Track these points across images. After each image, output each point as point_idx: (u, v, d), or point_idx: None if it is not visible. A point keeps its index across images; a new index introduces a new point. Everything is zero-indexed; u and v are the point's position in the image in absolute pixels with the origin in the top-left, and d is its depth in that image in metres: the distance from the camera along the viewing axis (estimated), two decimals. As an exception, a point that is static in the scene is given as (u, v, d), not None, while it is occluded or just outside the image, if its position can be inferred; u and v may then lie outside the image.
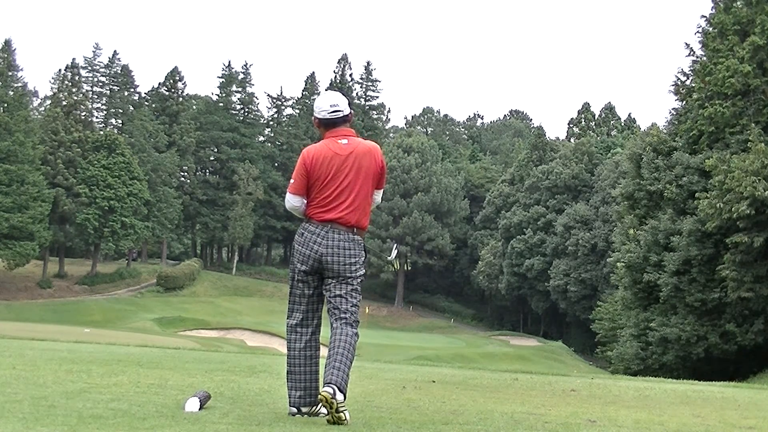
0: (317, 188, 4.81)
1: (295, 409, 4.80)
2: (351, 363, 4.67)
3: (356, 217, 4.83)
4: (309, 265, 4.86)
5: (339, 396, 4.42)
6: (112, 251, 79.60)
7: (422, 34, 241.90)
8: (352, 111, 5.05)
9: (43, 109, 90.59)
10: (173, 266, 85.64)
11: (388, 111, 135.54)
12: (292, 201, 4.90)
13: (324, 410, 4.57)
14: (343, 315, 4.81)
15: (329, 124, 4.91)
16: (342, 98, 5.00)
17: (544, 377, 10.02)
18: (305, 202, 4.87)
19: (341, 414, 4.41)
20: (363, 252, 4.90)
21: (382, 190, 5.09)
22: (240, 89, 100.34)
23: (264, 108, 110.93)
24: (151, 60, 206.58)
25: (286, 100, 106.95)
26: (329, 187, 4.78)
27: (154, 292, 76.19)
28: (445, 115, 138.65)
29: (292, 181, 4.88)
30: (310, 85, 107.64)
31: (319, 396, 4.45)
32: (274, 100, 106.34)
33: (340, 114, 4.92)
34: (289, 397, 4.86)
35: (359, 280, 4.90)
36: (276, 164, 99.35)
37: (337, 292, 4.85)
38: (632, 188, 37.30)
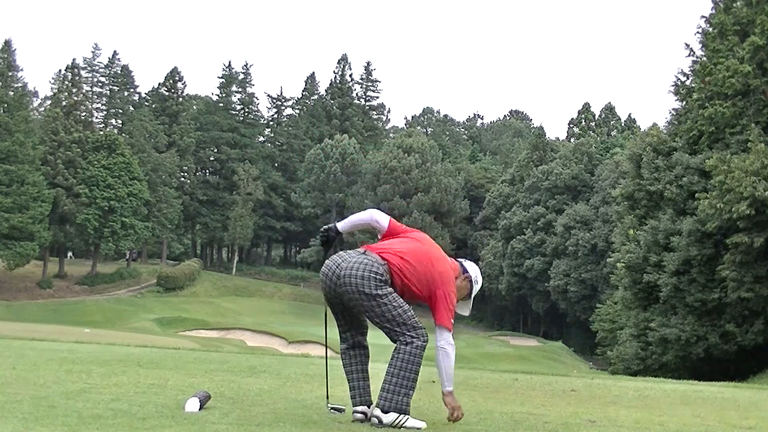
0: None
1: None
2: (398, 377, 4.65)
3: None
4: (327, 293, 4.91)
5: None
6: (112, 251, 79.65)
7: (422, 34, 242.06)
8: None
9: (43, 109, 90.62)
10: (173, 266, 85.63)
11: (388, 111, 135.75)
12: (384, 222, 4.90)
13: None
14: (364, 333, 5.12)
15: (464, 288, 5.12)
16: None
17: (544, 377, 10.02)
18: None
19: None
20: None
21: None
22: (240, 89, 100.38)
23: (264, 108, 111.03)
24: (151, 60, 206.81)
25: (286, 100, 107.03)
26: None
27: (154, 292, 76.19)
28: (445, 116, 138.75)
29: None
30: (310, 85, 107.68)
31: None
32: (274, 101, 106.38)
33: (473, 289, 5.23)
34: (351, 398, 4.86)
35: None
36: (276, 164, 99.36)
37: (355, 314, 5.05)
38: (632, 188, 37.30)
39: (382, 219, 4.89)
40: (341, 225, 4.91)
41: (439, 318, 4.64)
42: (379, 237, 4.94)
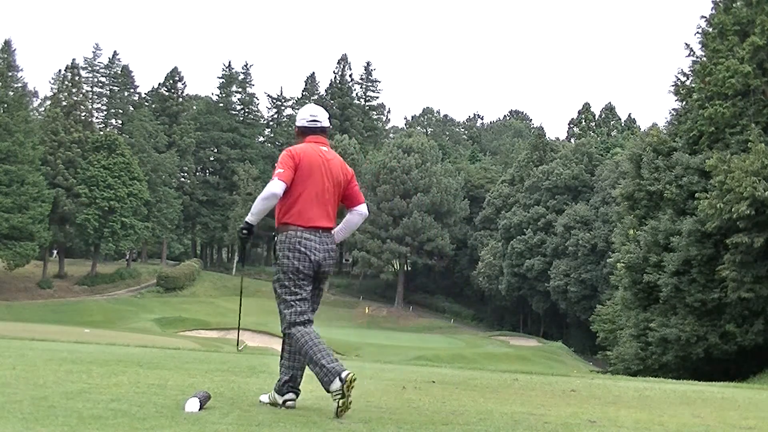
0: (299, 186, 5.08)
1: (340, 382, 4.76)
2: None
3: (332, 221, 5.28)
4: (312, 270, 5.12)
5: None
6: (112, 251, 79.67)
7: (422, 34, 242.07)
8: (331, 126, 5.57)
9: (43, 109, 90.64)
10: (173, 266, 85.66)
11: (388, 111, 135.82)
12: (278, 190, 5.00)
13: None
14: (315, 310, 5.31)
15: (308, 133, 5.35)
16: (323, 112, 5.48)
17: (544, 377, 10.02)
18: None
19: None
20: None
21: (365, 204, 5.51)
22: (240, 90, 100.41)
23: (264, 108, 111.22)
24: (151, 60, 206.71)
25: (286, 100, 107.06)
26: (310, 188, 5.12)
27: (154, 292, 76.21)
28: (445, 116, 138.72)
29: (281, 170, 5.03)
30: (310, 85, 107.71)
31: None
32: (274, 101, 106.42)
33: (319, 125, 5.40)
34: (331, 372, 4.81)
35: None
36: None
37: (321, 287, 5.35)
38: (632, 189, 37.28)
39: (276, 187, 5.02)
40: (252, 218, 5.12)
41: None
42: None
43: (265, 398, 5.25)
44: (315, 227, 5.10)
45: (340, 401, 4.72)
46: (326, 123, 5.43)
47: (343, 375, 4.75)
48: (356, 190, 5.46)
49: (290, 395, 5.13)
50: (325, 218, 5.18)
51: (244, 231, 5.14)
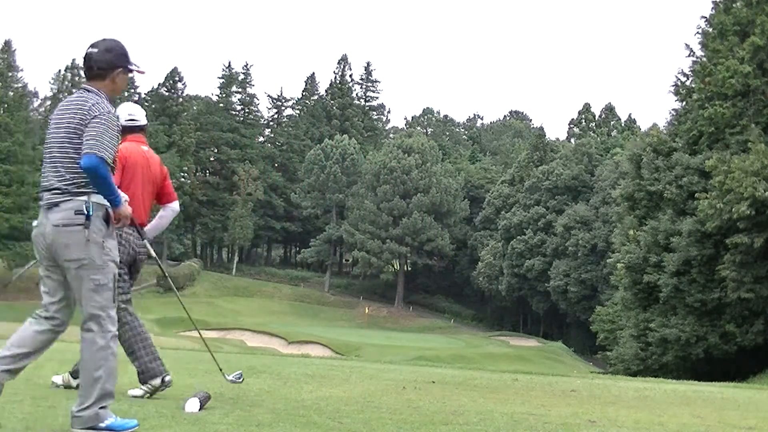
0: (123, 185, 5.24)
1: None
2: None
3: (146, 218, 5.61)
4: (127, 262, 5.45)
5: None
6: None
7: (422, 34, 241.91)
8: (148, 123, 5.86)
9: (43, 109, 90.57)
10: (173, 267, 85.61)
11: (388, 111, 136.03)
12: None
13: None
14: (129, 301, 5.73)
15: (126, 132, 5.46)
16: (140, 110, 5.77)
17: (544, 378, 10.02)
18: None
19: None
20: None
21: (177, 201, 5.85)
22: (240, 90, 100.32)
23: (264, 108, 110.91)
24: (151, 60, 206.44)
25: (286, 100, 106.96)
26: (133, 188, 5.37)
27: (154, 292, 76.17)
28: (445, 116, 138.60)
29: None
30: (310, 85, 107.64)
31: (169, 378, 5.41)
32: (275, 101, 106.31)
33: (137, 123, 5.63)
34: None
35: None
36: (276, 165, 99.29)
37: (131, 278, 5.70)
38: (632, 189, 37.27)
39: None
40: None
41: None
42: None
43: (138, 392, 5.49)
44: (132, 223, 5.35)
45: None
46: (144, 121, 5.69)
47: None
48: (170, 188, 5.76)
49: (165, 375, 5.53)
50: (143, 215, 5.50)
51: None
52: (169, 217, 5.76)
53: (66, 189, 3.88)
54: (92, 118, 3.90)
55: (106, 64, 4.17)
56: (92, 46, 4.20)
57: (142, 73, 4.43)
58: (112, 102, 4.20)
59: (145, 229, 5.56)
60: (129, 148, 5.39)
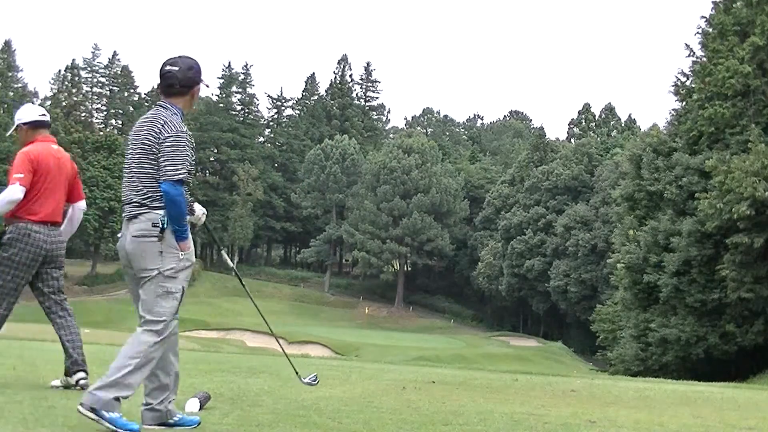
0: (35, 186, 5.46)
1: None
2: None
3: (61, 216, 5.73)
4: (38, 262, 5.57)
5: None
6: (112, 252, 79.62)
7: (422, 34, 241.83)
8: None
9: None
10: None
11: (388, 111, 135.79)
12: (20, 195, 5.36)
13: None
14: (64, 296, 5.90)
15: (39, 126, 5.73)
16: (43, 109, 6.00)
17: (544, 378, 10.02)
18: None
19: None
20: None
21: (84, 200, 6.01)
22: (240, 90, 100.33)
23: (264, 109, 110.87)
24: (151, 60, 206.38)
25: (286, 100, 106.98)
26: (44, 186, 5.51)
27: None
28: (445, 116, 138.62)
29: (21, 175, 5.42)
30: (310, 85, 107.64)
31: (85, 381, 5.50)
32: (274, 101, 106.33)
33: (47, 119, 5.84)
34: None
35: None
36: (276, 165, 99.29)
37: (56, 275, 5.76)
38: (632, 189, 37.28)
39: (18, 193, 5.37)
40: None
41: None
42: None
43: (56, 382, 5.68)
44: (44, 221, 5.53)
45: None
46: (48, 119, 5.90)
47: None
48: (80, 187, 5.91)
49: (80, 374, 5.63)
50: (57, 214, 5.66)
51: None
52: (79, 218, 5.96)
53: (143, 203, 4.13)
54: (164, 141, 4.11)
55: (189, 82, 4.31)
56: (171, 64, 4.31)
57: (208, 86, 4.54)
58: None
59: (60, 230, 5.73)
60: (40, 150, 5.56)
